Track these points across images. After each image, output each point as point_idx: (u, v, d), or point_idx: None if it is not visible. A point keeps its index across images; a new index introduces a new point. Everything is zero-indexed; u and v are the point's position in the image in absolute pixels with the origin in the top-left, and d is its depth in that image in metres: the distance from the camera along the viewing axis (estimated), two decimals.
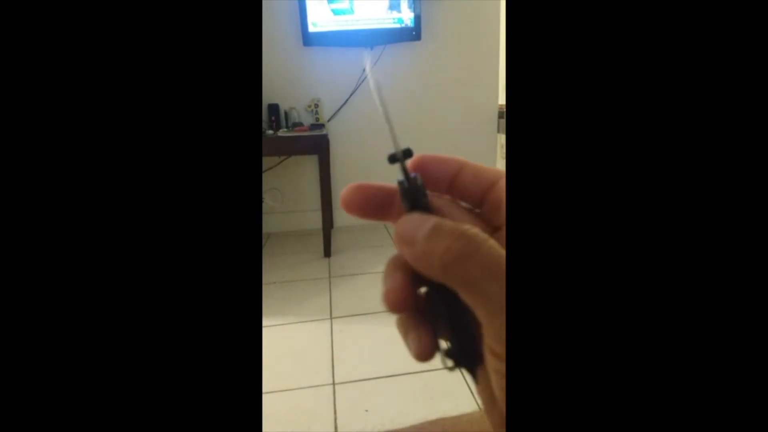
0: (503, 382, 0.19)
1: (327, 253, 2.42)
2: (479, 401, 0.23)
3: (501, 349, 0.19)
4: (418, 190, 0.22)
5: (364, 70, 2.61)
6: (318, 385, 1.45)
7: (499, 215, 0.22)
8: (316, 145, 2.36)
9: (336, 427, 1.28)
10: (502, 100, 2.84)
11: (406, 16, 2.53)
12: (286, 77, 2.61)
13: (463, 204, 0.24)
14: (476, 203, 0.24)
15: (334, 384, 1.45)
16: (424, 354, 0.22)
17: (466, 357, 0.21)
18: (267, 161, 2.69)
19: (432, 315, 0.22)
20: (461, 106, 2.78)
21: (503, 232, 0.21)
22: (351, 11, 2.47)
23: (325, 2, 2.45)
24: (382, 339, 1.58)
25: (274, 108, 2.52)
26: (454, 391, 1.37)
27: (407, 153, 0.23)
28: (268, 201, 2.81)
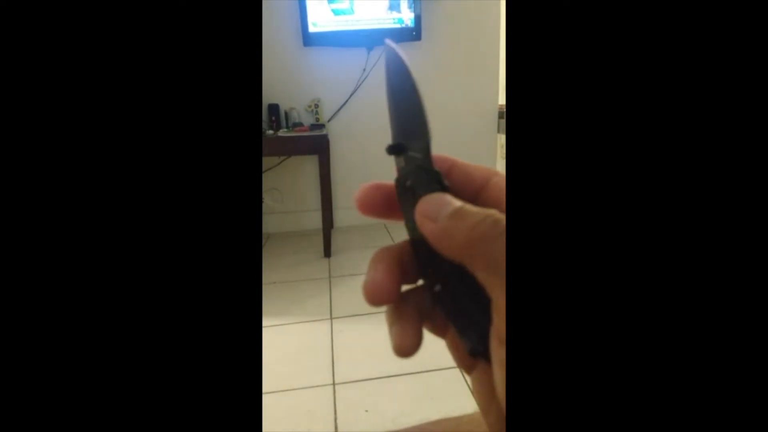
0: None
1: (327, 253, 2.42)
2: (476, 399, 0.23)
3: None
4: (439, 180, 0.22)
5: (364, 69, 2.61)
6: (318, 386, 1.44)
7: None
8: (316, 146, 2.35)
9: (336, 428, 1.27)
10: (502, 100, 2.83)
11: (406, 17, 2.52)
12: (286, 77, 2.61)
13: None
14: (469, 202, 0.24)
15: (334, 384, 1.45)
16: (403, 349, 0.22)
17: (480, 344, 0.21)
18: (267, 161, 2.69)
19: (445, 304, 0.22)
20: (461, 106, 2.78)
21: None
22: (351, 11, 2.47)
23: (326, 2, 2.45)
24: (383, 339, 1.57)
25: (274, 108, 2.52)
26: (455, 392, 1.36)
27: (400, 148, 0.24)
28: (268, 201, 2.81)
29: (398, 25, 2.52)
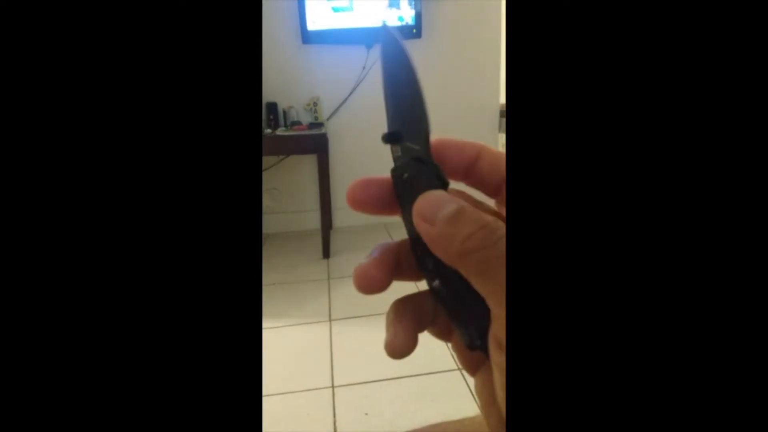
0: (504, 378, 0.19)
1: (326, 254, 2.42)
2: (478, 401, 0.23)
3: None
4: (438, 174, 0.22)
5: (364, 67, 2.60)
6: (317, 388, 1.44)
7: None
8: (315, 145, 2.35)
9: (335, 431, 1.27)
10: (503, 98, 2.83)
11: (407, 14, 2.52)
12: (284, 75, 2.60)
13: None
14: (493, 191, 0.24)
15: (333, 387, 1.45)
16: (393, 348, 0.22)
17: (479, 340, 0.21)
18: (265, 161, 2.69)
19: (444, 298, 0.22)
20: (462, 104, 2.77)
21: None
22: (351, 9, 2.46)
23: (325, 0, 2.44)
24: (382, 341, 1.57)
25: (272, 107, 2.51)
26: (455, 394, 1.36)
27: (396, 136, 0.23)
28: (266, 201, 2.80)
29: (398, 23, 2.51)
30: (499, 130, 2.87)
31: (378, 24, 2.48)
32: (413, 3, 2.50)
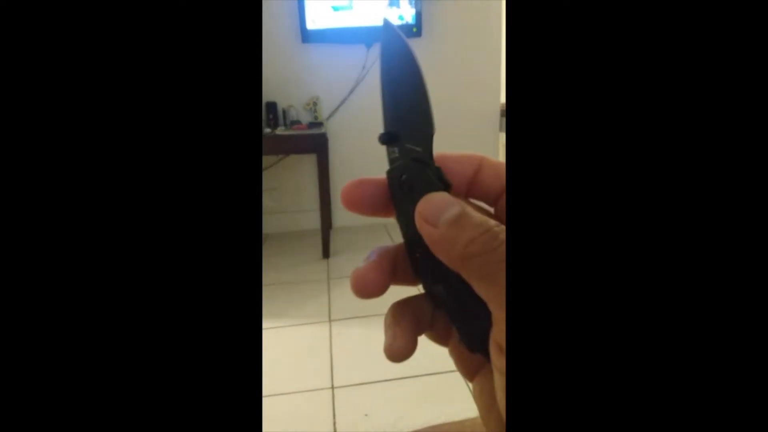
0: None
1: (326, 254, 2.41)
2: (478, 409, 0.23)
3: None
4: (439, 176, 0.22)
5: (363, 67, 2.60)
6: (317, 389, 1.44)
7: None
8: (315, 144, 2.35)
9: (335, 431, 1.26)
10: (504, 98, 2.83)
11: (407, 13, 2.52)
12: (284, 75, 2.60)
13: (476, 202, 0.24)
14: (493, 201, 0.23)
15: (333, 387, 1.45)
16: (393, 351, 0.22)
17: (481, 343, 0.21)
18: (265, 160, 2.69)
19: (445, 301, 0.22)
20: (463, 103, 2.77)
21: None
22: (350, 8, 2.46)
23: None
24: (382, 342, 1.57)
25: (272, 106, 2.51)
26: (456, 396, 1.36)
27: (394, 137, 0.22)
28: (266, 201, 2.80)
29: (399, 22, 2.51)
30: (500, 130, 2.87)
31: (379, 23, 2.48)
32: (413, 2, 2.50)
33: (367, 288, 0.22)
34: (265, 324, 1.79)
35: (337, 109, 2.69)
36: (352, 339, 1.68)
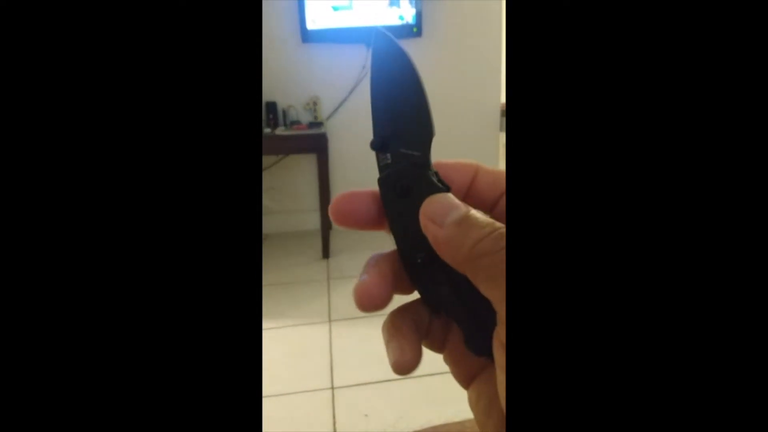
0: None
1: (325, 254, 2.41)
2: (474, 415, 0.23)
3: None
4: (439, 179, 0.22)
5: (364, 67, 2.60)
6: (316, 389, 1.45)
7: None
8: (315, 144, 2.35)
9: None
10: (504, 98, 2.83)
11: (407, 13, 2.52)
12: (284, 74, 2.59)
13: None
14: (489, 207, 0.23)
15: (333, 388, 1.45)
16: (402, 365, 0.21)
17: (487, 345, 0.20)
18: (264, 160, 2.68)
19: (450, 304, 0.22)
20: (463, 103, 2.77)
21: None
22: (350, 8, 2.46)
23: None
24: (382, 342, 1.57)
25: (271, 106, 2.51)
26: (456, 396, 1.34)
27: (385, 142, 0.22)
28: (266, 201, 2.80)
29: (399, 22, 2.51)
30: (500, 130, 2.87)
31: (379, 23, 2.48)
32: (414, 2, 2.50)
33: (374, 301, 0.21)
34: (265, 324, 1.79)
35: (337, 109, 2.69)
36: (352, 339, 1.68)
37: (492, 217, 0.23)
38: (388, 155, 0.23)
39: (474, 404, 0.23)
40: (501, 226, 0.19)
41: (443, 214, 0.20)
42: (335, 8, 2.45)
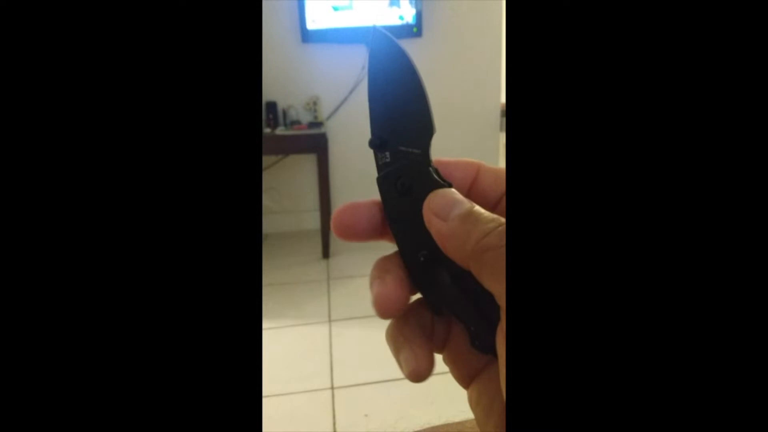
0: None
1: (325, 254, 2.41)
2: (475, 415, 0.22)
3: None
4: (440, 176, 0.21)
5: (363, 67, 2.60)
6: (316, 390, 1.45)
7: None
8: (315, 144, 2.35)
9: None
10: (504, 98, 2.82)
11: (407, 13, 2.51)
12: (284, 74, 2.59)
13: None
14: (491, 206, 0.23)
15: (332, 388, 1.45)
16: (419, 373, 0.21)
17: (491, 343, 0.20)
18: (264, 160, 2.68)
19: (455, 302, 0.22)
20: (463, 103, 2.76)
21: None
22: (351, 7, 2.46)
23: None
24: (382, 342, 1.56)
25: (271, 106, 2.50)
26: (456, 396, 1.34)
27: (384, 141, 0.22)
28: (266, 201, 2.79)
29: (399, 22, 2.50)
30: (500, 130, 2.87)
31: (379, 23, 2.48)
32: (414, 2, 2.49)
33: (396, 307, 0.21)
34: (265, 324, 1.79)
35: (337, 109, 2.68)
36: (352, 339, 1.68)
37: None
38: (387, 154, 0.23)
39: (475, 404, 0.23)
40: (504, 221, 0.19)
41: (448, 209, 0.20)
42: (335, 8, 2.45)
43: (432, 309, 0.23)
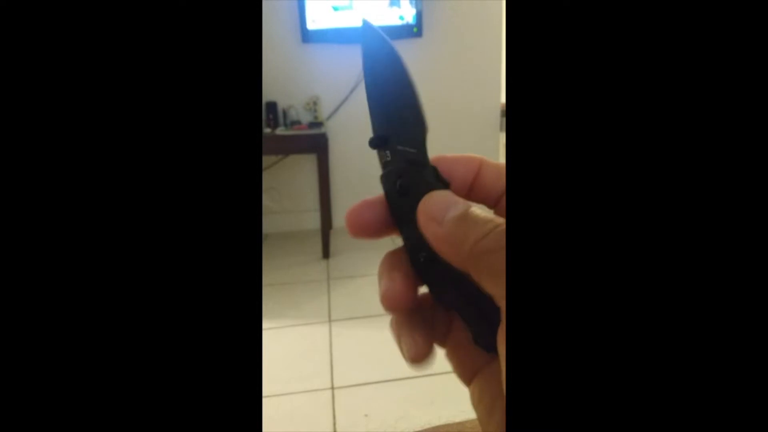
0: None
1: (325, 254, 2.41)
2: (477, 413, 0.22)
3: None
4: (437, 176, 0.21)
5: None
6: (316, 390, 1.45)
7: None
8: (315, 144, 2.35)
9: None
10: (504, 98, 2.82)
11: (407, 13, 2.51)
12: (284, 74, 2.59)
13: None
14: (493, 202, 0.23)
15: (333, 388, 1.44)
16: (418, 357, 0.22)
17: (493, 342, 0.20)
18: (264, 160, 2.68)
19: (456, 300, 0.22)
20: (463, 103, 2.77)
21: None
22: (351, 8, 2.46)
23: None
24: (382, 342, 1.57)
25: (271, 106, 2.50)
26: (457, 396, 1.34)
27: (385, 140, 0.22)
28: (266, 201, 2.79)
29: (399, 22, 2.50)
30: (500, 130, 2.86)
31: (379, 23, 2.48)
32: (414, 2, 2.49)
33: (404, 304, 0.21)
34: (265, 324, 1.79)
35: (337, 109, 2.68)
36: (352, 339, 1.68)
37: (496, 211, 0.23)
38: (388, 152, 0.22)
39: (476, 402, 0.23)
40: (502, 222, 0.19)
41: (442, 212, 0.20)
42: (335, 8, 2.45)
43: (436, 304, 0.23)
